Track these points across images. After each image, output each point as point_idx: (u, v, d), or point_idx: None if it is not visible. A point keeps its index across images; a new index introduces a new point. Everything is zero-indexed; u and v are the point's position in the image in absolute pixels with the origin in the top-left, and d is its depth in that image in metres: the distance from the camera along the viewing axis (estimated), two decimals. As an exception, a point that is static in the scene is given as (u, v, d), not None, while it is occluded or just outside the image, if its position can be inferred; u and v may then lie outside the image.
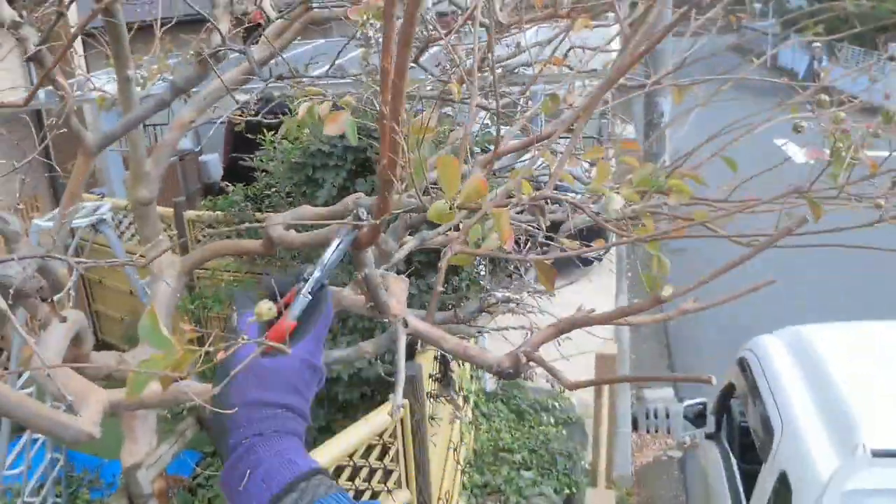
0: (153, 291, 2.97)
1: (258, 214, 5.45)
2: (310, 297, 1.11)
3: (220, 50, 1.93)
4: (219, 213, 6.05)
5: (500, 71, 2.56)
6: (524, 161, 2.37)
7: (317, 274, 1.12)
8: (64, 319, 1.76)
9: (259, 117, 3.26)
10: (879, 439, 3.50)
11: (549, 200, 1.47)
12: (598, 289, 7.29)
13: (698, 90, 1.98)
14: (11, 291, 1.38)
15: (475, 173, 1.72)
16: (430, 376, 4.46)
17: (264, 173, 5.43)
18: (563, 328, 1.07)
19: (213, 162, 12.70)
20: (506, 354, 1.06)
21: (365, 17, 1.87)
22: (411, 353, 4.16)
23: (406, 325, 1.15)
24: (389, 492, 3.86)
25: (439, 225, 2.21)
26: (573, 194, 1.71)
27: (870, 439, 3.49)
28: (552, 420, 6.76)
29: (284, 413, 1.06)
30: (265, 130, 5.44)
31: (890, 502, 3.43)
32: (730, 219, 1.66)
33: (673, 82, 1.98)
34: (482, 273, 4.36)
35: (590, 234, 2.30)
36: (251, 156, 5.52)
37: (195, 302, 6.13)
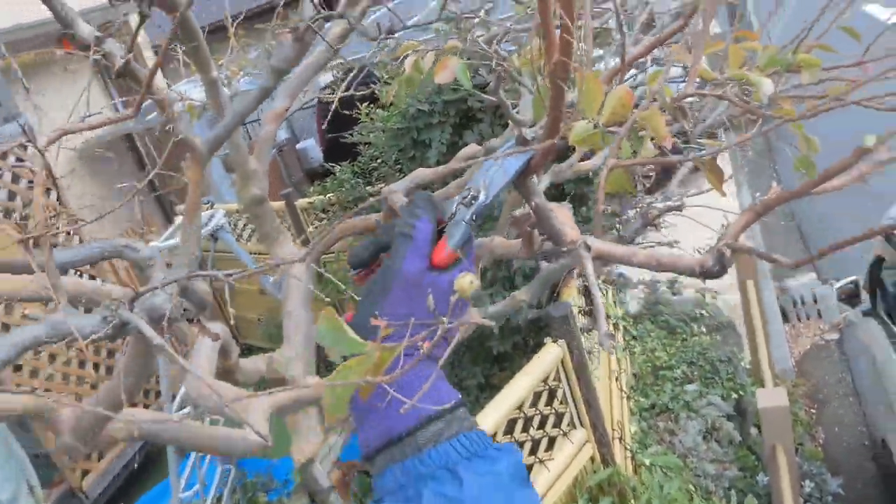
0: (286, 288, 3.02)
1: (369, 188, 5.48)
2: (471, 226, 1.03)
3: (317, 20, 1.93)
4: (329, 195, 6.08)
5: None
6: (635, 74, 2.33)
7: (482, 198, 1.04)
8: (217, 337, 1.81)
9: (351, 91, 3.27)
10: None
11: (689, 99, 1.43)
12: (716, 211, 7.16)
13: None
14: (165, 321, 1.41)
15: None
16: (580, 310, 4.46)
17: (367, 146, 5.45)
18: (761, 210, 1.04)
19: (311, 147, 12.88)
20: (707, 252, 1.04)
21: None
22: (556, 294, 4.16)
23: (588, 248, 1.13)
24: (565, 434, 3.88)
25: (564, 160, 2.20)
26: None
27: None
28: (703, 329, 6.66)
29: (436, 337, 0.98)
30: (358, 103, 5.46)
31: None
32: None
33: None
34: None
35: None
36: (349, 132, 5.55)
37: (327, 288, 6.16)
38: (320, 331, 0.91)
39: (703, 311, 6.91)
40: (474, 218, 1.03)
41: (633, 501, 4.14)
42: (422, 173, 3.04)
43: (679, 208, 1.51)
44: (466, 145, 3.72)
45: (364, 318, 0.99)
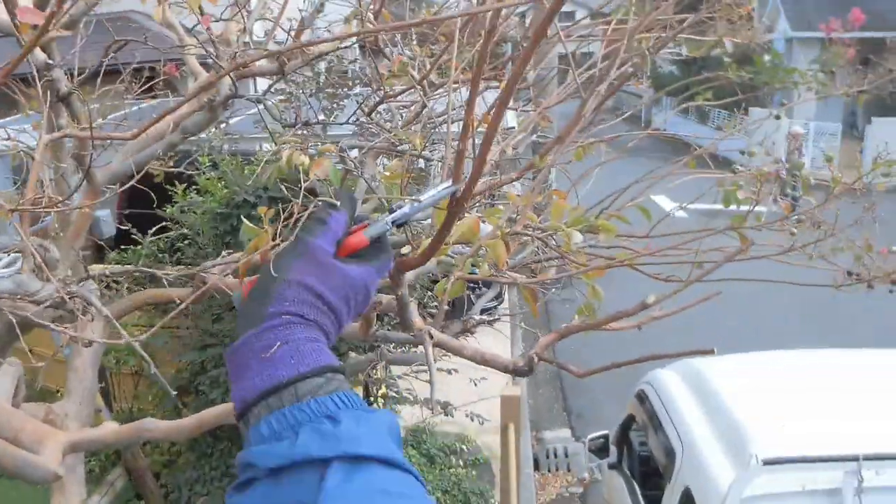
0: (77, 344, 3.04)
1: (167, 268, 5.47)
2: (389, 227, 1.10)
3: (231, 98, 2.15)
4: (127, 266, 5.99)
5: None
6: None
7: (406, 209, 1.11)
8: (89, 344, 1.91)
9: (176, 168, 3.41)
10: (769, 449, 3.97)
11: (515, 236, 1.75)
12: (496, 338, 7.66)
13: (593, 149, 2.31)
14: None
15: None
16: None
17: (177, 224, 5.50)
18: (564, 333, 1.35)
19: (105, 218, 12.39)
20: (519, 356, 1.33)
21: (393, 73, 2.13)
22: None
23: (431, 336, 1.39)
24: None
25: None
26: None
27: (761, 450, 3.94)
28: (461, 462, 7.01)
29: (329, 313, 1.04)
30: (175, 182, 5.54)
31: (782, 504, 3.87)
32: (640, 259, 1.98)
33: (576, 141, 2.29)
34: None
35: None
36: (155, 208, 5.54)
37: (107, 354, 6.01)
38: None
39: (464, 447, 7.28)
40: (393, 222, 1.11)
41: None
42: (239, 258, 3.20)
43: (492, 322, 1.81)
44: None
45: (268, 276, 1.04)
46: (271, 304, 1.00)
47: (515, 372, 1.33)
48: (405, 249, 1.34)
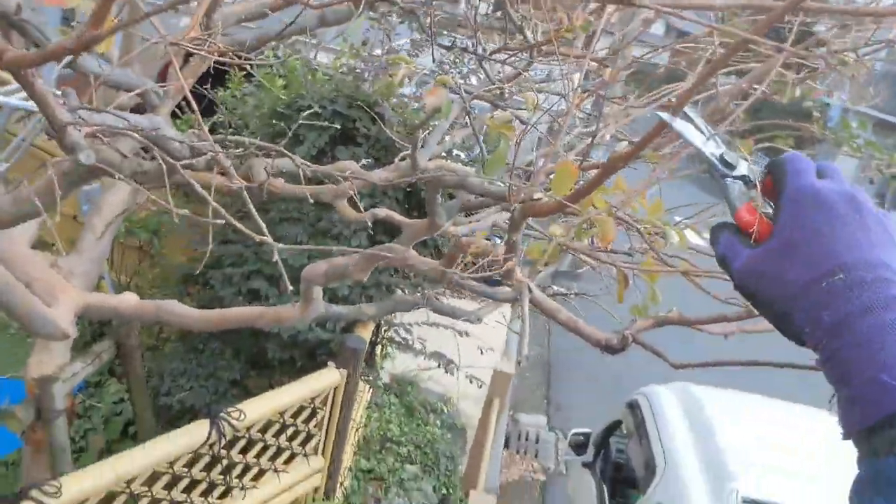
0: (100, 200, 3.01)
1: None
2: (764, 172, 0.89)
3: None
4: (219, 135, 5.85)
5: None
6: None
7: (716, 151, 0.93)
8: None
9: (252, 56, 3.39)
10: (750, 489, 4.05)
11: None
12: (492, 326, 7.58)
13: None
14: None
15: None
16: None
17: (227, 112, 5.36)
18: (661, 322, 1.36)
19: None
20: (614, 332, 1.35)
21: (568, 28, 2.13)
22: (351, 327, 4.33)
23: (530, 290, 1.41)
24: (306, 456, 4.01)
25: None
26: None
27: (743, 487, 4.00)
28: (439, 422, 7.05)
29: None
30: (233, 69, 5.40)
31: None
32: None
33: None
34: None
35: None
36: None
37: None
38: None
39: (445, 408, 7.33)
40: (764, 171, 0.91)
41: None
42: (289, 164, 3.14)
43: (567, 296, 1.83)
44: (336, 160, 3.89)
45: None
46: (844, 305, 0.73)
47: (607, 348, 1.35)
48: (538, 195, 1.34)
